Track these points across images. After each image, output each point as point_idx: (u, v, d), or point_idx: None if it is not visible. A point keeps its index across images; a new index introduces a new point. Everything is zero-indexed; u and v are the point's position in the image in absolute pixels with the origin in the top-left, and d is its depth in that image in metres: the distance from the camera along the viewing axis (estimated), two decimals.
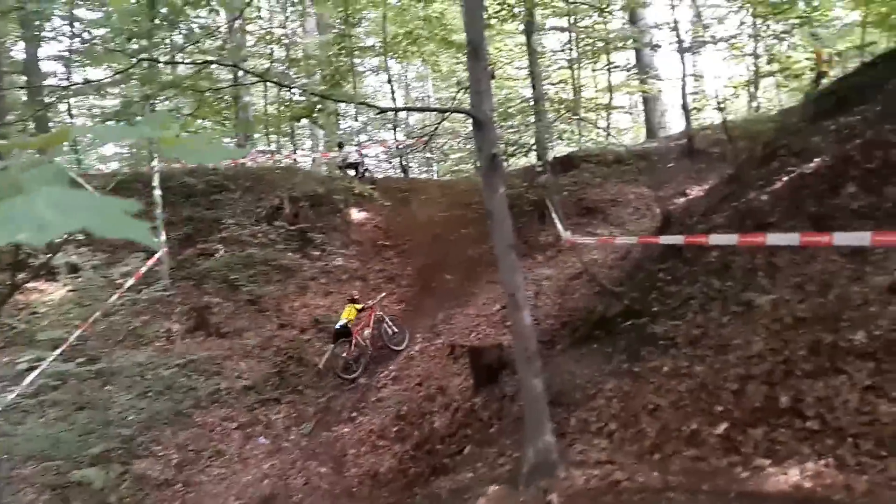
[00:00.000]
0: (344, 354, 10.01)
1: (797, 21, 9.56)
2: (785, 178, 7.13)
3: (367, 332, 10.35)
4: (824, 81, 16.87)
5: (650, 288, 6.97)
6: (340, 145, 18.10)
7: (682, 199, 10.31)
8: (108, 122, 13.67)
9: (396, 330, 10.45)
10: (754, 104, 14.17)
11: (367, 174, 16.99)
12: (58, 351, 8.53)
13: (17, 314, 10.50)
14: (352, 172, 16.60)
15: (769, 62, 9.44)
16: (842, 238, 4.94)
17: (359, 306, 10.35)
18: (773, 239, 5.50)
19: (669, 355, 5.50)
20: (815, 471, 3.73)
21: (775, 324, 5.08)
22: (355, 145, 18.92)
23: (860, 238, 4.81)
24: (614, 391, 5.45)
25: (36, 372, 8.17)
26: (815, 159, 7.12)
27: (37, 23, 15.15)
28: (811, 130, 7.87)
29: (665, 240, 7.09)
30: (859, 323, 4.50)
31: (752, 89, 13.27)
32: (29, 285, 11.56)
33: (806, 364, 4.46)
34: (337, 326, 10.05)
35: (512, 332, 5.57)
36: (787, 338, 4.83)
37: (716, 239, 6.20)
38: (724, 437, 4.24)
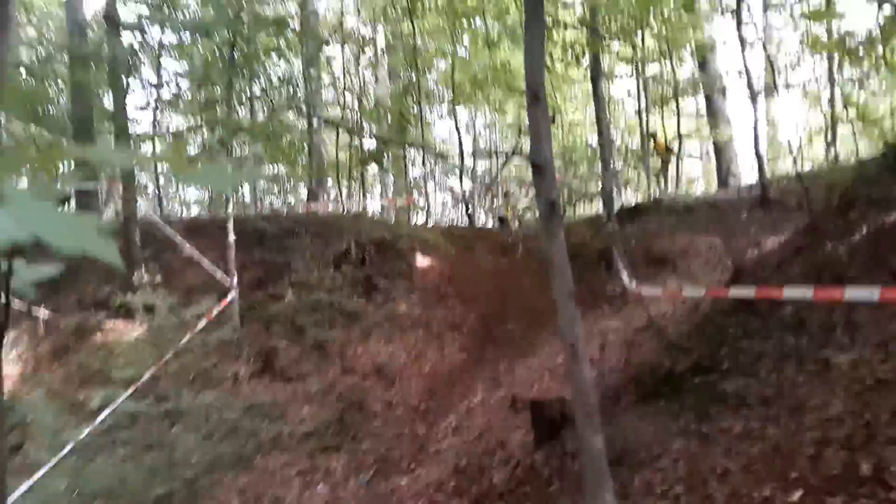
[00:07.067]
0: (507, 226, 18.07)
1: (879, 68, 9.20)
2: (864, 230, 6.79)
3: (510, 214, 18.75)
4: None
5: (720, 343, 6.68)
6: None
7: (756, 251, 9.93)
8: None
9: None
10: (832, 152, 13.62)
11: None
12: (130, 390, 8.81)
13: (94, 353, 10.94)
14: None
15: (844, 106, 9.07)
16: None
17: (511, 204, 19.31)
18: (851, 294, 5.20)
19: (741, 415, 5.22)
20: None
21: (855, 385, 4.76)
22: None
23: None
24: (681, 452, 5.19)
25: (108, 410, 8.45)
26: None
27: (125, 77, 16.09)
28: (892, 180, 7.50)
29: (735, 293, 6.81)
30: None
31: (828, 137, 12.75)
32: (108, 325, 12.10)
33: (889, 430, 4.14)
34: (500, 215, 18.88)
35: (571, 385, 5.41)
36: (868, 400, 4.51)
37: (789, 292, 5.91)
38: None
